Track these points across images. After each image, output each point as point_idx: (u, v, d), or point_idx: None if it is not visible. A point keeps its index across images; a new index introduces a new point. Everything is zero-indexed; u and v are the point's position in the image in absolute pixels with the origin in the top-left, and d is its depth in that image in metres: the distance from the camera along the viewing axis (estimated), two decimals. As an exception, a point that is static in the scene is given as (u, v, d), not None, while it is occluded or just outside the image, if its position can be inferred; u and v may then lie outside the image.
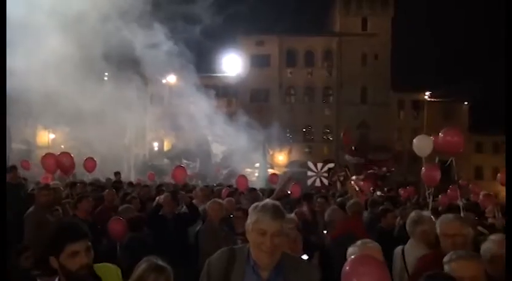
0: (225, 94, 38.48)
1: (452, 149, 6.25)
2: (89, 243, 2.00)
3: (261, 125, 39.49)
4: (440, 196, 8.80)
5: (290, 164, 39.05)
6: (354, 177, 11.00)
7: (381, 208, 6.41)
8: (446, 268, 2.28)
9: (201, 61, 30.05)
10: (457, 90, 39.39)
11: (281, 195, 6.29)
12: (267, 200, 2.10)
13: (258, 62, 41.18)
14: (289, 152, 41.10)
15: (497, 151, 41.84)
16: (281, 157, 40.14)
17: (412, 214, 3.97)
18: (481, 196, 8.09)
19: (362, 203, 5.78)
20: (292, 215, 4.51)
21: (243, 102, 40.97)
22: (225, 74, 37.97)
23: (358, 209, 5.22)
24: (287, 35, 41.53)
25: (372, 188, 13.07)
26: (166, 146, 39.73)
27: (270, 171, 28.70)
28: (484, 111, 42.23)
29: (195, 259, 4.13)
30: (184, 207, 5.74)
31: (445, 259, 2.32)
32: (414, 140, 7.04)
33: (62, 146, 23.12)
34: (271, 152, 37.62)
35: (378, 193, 13.99)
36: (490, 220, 6.32)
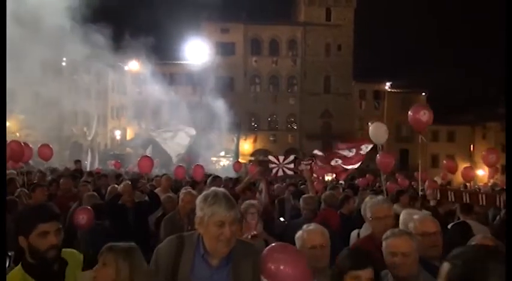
0: (190, 82, 37.93)
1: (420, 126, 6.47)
2: (60, 225, 2.00)
3: (226, 114, 39.46)
4: (388, 182, 9.13)
5: (255, 152, 39.31)
6: (319, 164, 11.15)
7: (342, 194, 6.61)
8: (383, 244, 2.40)
9: (165, 48, 29.42)
10: (415, 81, 40.84)
11: (247, 184, 6.29)
12: (215, 190, 2.05)
13: (223, 49, 40.83)
14: (254, 141, 41.33)
15: (452, 139, 43.95)
16: (246, 146, 40.29)
17: (367, 199, 4.11)
18: (426, 182, 8.58)
19: (337, 195, 5.88)
20: (254, 201, 4.55)
21: (207, 90, 40.61)
22: (190, 62, 37.35)
23: (333, 201, 5.32)
24: (252, 23, 41.36)
25: (335, 176, 13.36)
26: (129, 135, 38.82)
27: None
28: (440, 102, 44.06)
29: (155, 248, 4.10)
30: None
31: (383, 236, 2.46)
32: (370, 128, 7.20)
33: (17, 134, 22.09)
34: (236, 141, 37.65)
35: (341, 181, 14.38)
36: (432, 202, 6.76)
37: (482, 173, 13.98)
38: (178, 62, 38.17)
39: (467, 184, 11.17)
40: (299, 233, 2.64)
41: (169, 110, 39.49)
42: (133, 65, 37.08)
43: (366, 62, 58.47)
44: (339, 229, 4.37)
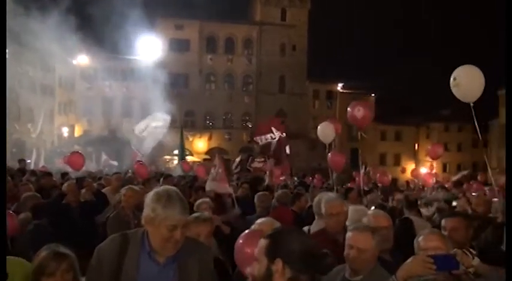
0: (142, 78, 36.95)
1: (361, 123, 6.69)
2: None
3: (180, 111, 38.87)
4: (349, 184, 9.44)
5: (210, 150, 39.05)
6: (271, 162, 11.21)
7: (294, 192, 6.74)
8: (347, 234, 2.50)
9: (117, 43, 28.35)
10: (365, 83, 42.44)
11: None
12: (168, 191, 2.01)
13: (177, 46, 40.16)
14: (209, 139, 41.05)
15: (398, 139, 46.06)
16: (201, 144, 39.95)
17: (317, 196, 4.22)
18: (377, 176, 8.97)
19: (289, 193, 5.94)
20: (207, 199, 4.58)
21: (161, 87, 39.80)
22: (143, 57, 36.37)
23: (285, 200, 5.38)
24: (208, 21, 41.01)
25: (289, 174, 13.56)
26: (78, 132, 37.19)
27: (189, 158, 28.40)
28: (388, 103, 46.05)
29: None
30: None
31: (349, 226, 2.59)
32: (318, 127, 7.38)
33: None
34: (190, 139, 37.19)
35: (295, 178, 14.63)
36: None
37: (425, 171, 14.75)
38: (131, 57, 37.07)
39: (412, 182, 11.76)
40: (252, 228, 2.70)
41: (121, 107, 38.32)
42: (83, 60, 35.54)
43: (320, 63, 59.94)
44: (292, 226, 4.44)
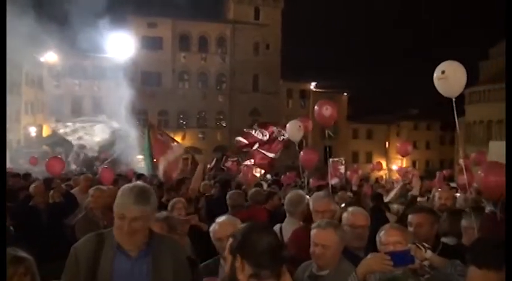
0: (114, 76, 36.22)
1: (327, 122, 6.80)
2: None
3: (154, 110, 38.35)
4: (311, 179, 9.52)
5: (183, 150, 38.66)
6: (246, 162, 11.28)
7: (267, 190, 6.79)
8: (311, 233, 2.55)
9: (86, 40, 27.61)
10: (338, 83, 43.05)
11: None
12: (136, 183, 2.11)
13: (150, 44, 39.57)
14: (183, 138, 40.65)
15: (370, 137, 47.06)
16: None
17: (291, 194, 4.28)
18: (348, 172, 9.17)
19: (262, 192, 5.96)
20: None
21: (133, 86, 39.12)
22: (114, 55, 35.59)
23: (260, 199, 5.40)
24: (181, 19, 40.60)
25: (263, 172, 13.61)
26: (46, 132, 36.05)
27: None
28: (360, 103, 46.99)
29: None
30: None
31: (312, 225, 2.63)
32: (287, 126, 7.44)
33: None
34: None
35: (268, 176, 14.69)
36: (354, 188, 7.37)
37: (395, 167, 15.18)
38: (102, 55, 36.22)
39: (381, 178, 12.05)
40: (212, 226, 2.77)
41: (91, 106, 37.38)
42: (51, 57, 34.45)
43: (293, 62, 60.43)
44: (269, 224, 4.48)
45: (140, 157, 30.87)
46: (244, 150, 10.12)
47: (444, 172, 12.13)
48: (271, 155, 10.04)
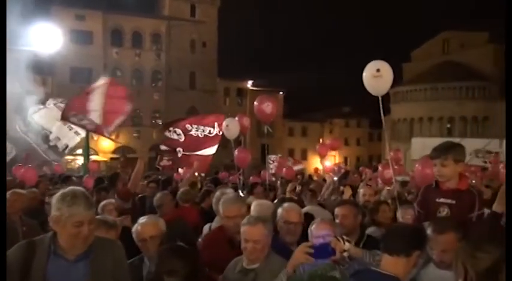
0: (39, 71, 33.73)
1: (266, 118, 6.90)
2: None
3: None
4: (251, 177, 9.67)
5: (117, 149, 37.21)
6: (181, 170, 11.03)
7: (203, 189, 6.77)
8: (241, 230, 2.62)
9: (7, 31, 25.39)
10: (274, 81, 43.96)
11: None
12: (73, 190, 2.09)
13: (79, 38, 37.42)
14: (117, 137, 39.00)
15: (305, 134, 48.62)
16: (107, 142, 37.78)
17: (216, 193, 4.31)
18: (284, 170, 9.41)
19: (192, 191, 5.91)
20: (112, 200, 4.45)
21: (61, 82, 36.81)
22: (38, 49, 33.14)
23: (189, 198, 5.33)
24: (112, 13, 38.90)
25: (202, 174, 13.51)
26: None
27: (94, 158, 26.75)
28: (295, 101, 48.36)
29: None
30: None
31: (241, 222, 2.68)
32: (224, 123, 7.45)
33: None
34: (95, 138, 35.00)
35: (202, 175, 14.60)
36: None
37: (328, 164, 15.84)
38: (25, 48, 33.54)
39: (315, 174, 12.51)
40: (134, 227, 2.81)
41: (15, 103, 34.51)
42: (-36, 49, 31.30)
43: (230, 60, 60.55)
44: (199, 224, 4.46)
45: (70, 157, 29.22)
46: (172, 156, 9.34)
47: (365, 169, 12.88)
48: (207, 152, 9.60)
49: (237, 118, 7.70)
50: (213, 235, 3.31)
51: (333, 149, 11.76)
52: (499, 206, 2.56)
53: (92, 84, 8.11)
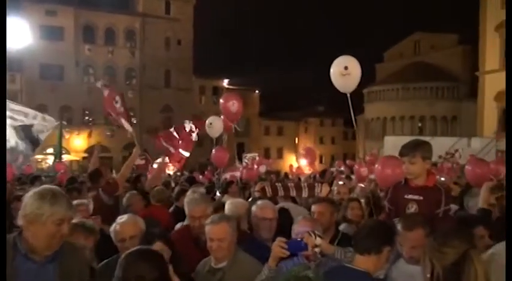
0: (8, 68, 32.62)
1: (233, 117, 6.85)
2: None
3: (55, 105, 35.36)
4: (228, 174, 9.65)
5: (90, 148, 36.40)
6: (158, 160, 10.93)
7: (178, 188, 6.71)
8: (206, 229, 2.63)
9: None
10: (250, 80, 44.06)
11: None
12: (51, 189, 2.07)
13: (49, 34, 36.32)
14: (89, 136, 38.06)
15: (281, 133, 48.91)
16: (79, 141, 36.93)
17: (188, 193, 4.29)
18: (244, 171, 9.44)
19: (165, 190, 5.85)
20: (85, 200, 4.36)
21: (30, 79, 35.71)
22: (7, 45, 32.00)
23: (162, 197, 5.27)
24: (84, 8, 37.97)
25: (178, 169, 13.43)
26: None
27: (66, 157, 26.10)
28: (271, 100, 48.56)
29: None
30: None
31: (206, 222, 2.69)
32: (206, 121, 7.44)
33: None
34: (67, 136, 34.13)
35: (186, 172, 14.57)
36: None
37: (304, 162, 16.01)
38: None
39: (290, 175, 12.62)
40: (113, 227, 2.77)
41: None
42: None
43: (206, 58, 60.17)
44: (171, 223, 4.42)
45: (40, 157, 28.40)
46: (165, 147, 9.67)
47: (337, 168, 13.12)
48: (186, 154, 9.82)
49: (222, 116, 7.68)
50: (178, 234, 3.29)
51: (310, 156, 11.92)
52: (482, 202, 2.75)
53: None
